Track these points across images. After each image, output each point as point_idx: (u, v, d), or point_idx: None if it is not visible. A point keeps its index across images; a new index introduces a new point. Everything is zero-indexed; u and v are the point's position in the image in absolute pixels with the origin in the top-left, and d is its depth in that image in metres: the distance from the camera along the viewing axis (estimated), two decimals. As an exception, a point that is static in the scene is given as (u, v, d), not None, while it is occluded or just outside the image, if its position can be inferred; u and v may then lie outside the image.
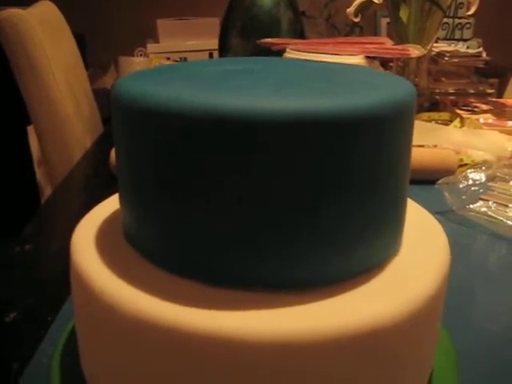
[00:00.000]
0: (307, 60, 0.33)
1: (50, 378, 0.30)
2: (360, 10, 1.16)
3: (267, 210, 0.23)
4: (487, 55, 1.44)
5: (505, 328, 0.49)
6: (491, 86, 1.45)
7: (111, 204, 0.33)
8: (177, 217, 0.24)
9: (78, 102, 1.10)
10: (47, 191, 1.93)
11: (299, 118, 0.22)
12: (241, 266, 0.24)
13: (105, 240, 0.29)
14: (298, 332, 0.22)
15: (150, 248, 0.26)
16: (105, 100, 1.94)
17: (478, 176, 0.71)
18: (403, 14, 1.17)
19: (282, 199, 0.23)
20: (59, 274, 0.58)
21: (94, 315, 0.26)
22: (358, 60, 1.02)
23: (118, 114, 0.26)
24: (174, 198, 0.24)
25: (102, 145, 0.99)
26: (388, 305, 0.24)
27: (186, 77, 0.27)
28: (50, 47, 0.98)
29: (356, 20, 1.16)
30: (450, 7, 1.65)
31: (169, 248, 0.25)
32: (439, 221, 0.70)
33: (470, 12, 1.17)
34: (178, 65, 0.31)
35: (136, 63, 2.19)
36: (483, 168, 0.72)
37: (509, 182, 0.69)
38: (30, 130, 1.86)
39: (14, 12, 0.90)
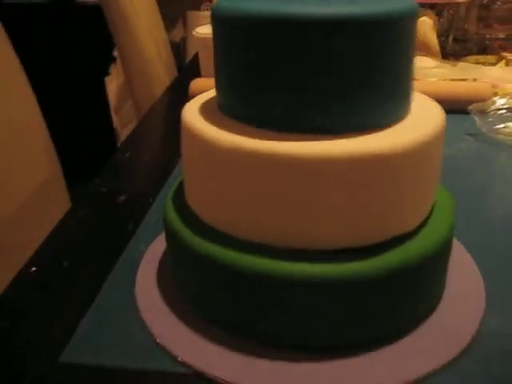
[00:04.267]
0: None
1: (165, 211, 0.45)
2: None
3: (326, 81, 0.36)
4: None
5: (506, 215, 0.62)
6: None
7: (204, 97, 0.47)
8: (256, 83, 0.38)
9: (158, 47, 1.25)
10: (123, 136, 2.11)
11: (341, 19, 0.35)
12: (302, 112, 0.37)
13: (205, 111, 0.43)
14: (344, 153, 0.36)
15: (237, 111, 0.40)
16: (175, 51, 2.07)
17: (506, 102, 0.81)
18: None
19: (336, 74, 0.36)
20: (153, 175, 0.74)
21: (199, 156, 0.41)
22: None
23: (216, 23, 0.40)
24: (257, 77, 0.38)
25: (179, 86, 1.14)
26: (402, 139, 0.37)
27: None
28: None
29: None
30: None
31: (254, 107, 0.39)
32: (470, 142, 0.81)
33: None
34: None
35: (203, 17, 2.33)
36: (510, 95, 0.82)
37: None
38: (108, 80, 2.03)
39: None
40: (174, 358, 0.40)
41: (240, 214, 0.39)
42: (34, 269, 0.52)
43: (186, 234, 0.41)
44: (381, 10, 0.36)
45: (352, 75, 0.37)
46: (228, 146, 0.38)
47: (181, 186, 0.47)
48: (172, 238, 0.43)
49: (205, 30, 1.01)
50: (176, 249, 0.44)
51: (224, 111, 0.42)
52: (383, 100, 0.39)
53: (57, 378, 0.40)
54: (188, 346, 0.41)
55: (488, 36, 1.42)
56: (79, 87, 2.23)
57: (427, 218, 0.43)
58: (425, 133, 0.39)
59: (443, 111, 0.43)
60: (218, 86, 0.42)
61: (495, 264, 0.51)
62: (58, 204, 1.00)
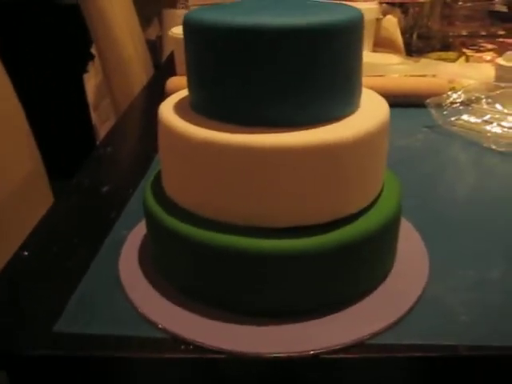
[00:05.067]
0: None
1: (145, 196, 0.51)
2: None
3: (274, 81, 0.42)
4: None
5: (453, 199, 0.68)
6: (510, 29, 1.55)
7: (178, 96, 0.52)
8: (221, 84, 0.44)
9: (135, 45, 1.30)
10: (102, 132, 2.15)
11: (289, 29, 0.41)
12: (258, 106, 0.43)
13: (178, 108, 0.48)
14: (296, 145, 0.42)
15: (206, 109, 0.46)
16: (151, 49, 2.11)
17: (459, 96, 0.88)
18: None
19: (283, 72, 0.42)
20: (133, 168, 0.79)
21: (174, 148, 0.46)
22: (372, 5, 1.19)
23: (187, 31, 0.45)
24: (222, 78, 0.44)
25: (156, 83, 1.19)
26: (349, 131, 0.43)
27: (226, 9, 0.46)
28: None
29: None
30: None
31: (220, 105, 0.45)
32: (426, 133, 0.88)
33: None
34: (224, 4, 0.49)
35: (178, 15, 2.37)
36: (464, 90, 0.89)
37: (482, 100, 0.86)
38: (87, 78, 2.06)
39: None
40: (154, 325, 0.46)
41: (208, 197, 0.45)
42: (25, 253, 0.57)
43: (163, 215, 0.47)
44: (325, 21, 0.42)
45: (305, 76, 0.43)
46: (198, 140, 0.44)
47: (159, 174, 0.53)
48: (150, 219, 0.49)
49: (180, 30, 1.06)
50: (154, 229, 0.49)
51: (195, 108, 0.48)
52: (333, 97, 0.45)
53: (51, 345, 0.45)
54: (166, 314, 0.47)
55: (451, 33, 1.50)
56: (58, 85, 2.27)
57: (377, 199, 0.49)
58: (370, 126, 0.45)
59: (388, 106, 0.49)
60: (190, 87, 0.48)
61: (440, 242, 0.57)
62: (41, 198, 1.05)
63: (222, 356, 0.43)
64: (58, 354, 0.45)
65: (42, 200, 1.02)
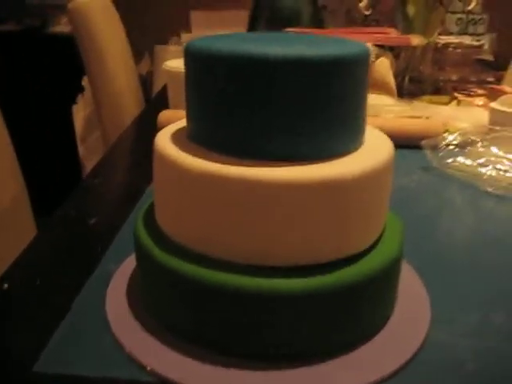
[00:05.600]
0: (301, 32, 0.51)
1: (136, 228, 0.48)
2: (372, 3, 1.32)
3: (278, 112, 0.41)
4: (502, 49, 1.57)
5: (450, 240, 0.67)
6: (498, 76, 1.58)
7: (174, 126, 0.51)
8: (223, 114, 0.42)
9: (128, 78, 1.30)
10: (88, 166, 2.13)
11: (295, 60, 0.40)
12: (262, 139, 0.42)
13: (176, 139, 0.46)
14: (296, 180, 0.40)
15: (203, 138, 0.44)
16: (142, 84, 2.11)
17: (455, 138, 0.88)
18: (410, 9, 1.33)
19: (288, 104, 0.40)
20: (122, 200, 0.76)
21: (170, 179, 0.44)
22: (366, 47, 1.19)
23: (189, 59, 0.44)
24: (223, 110, 0.42)
25: (147, 116, 1.18)
26: (352, 168, 0.42)
27: (229, 39, 0.44)
28: (108, 29, 1.18)
29: (367, 13, 1.33)
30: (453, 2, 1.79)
31: (220, 136, 0.43)
32: (421, 175, 0.87)
33: (470, 7, 1.32)
34: (227, 34, 0.48)
35: (170, 52, 2.38)
36: (459, 132, 0.88)
37: (478, 143, 0.86)
38: (75, 108, 2.05)
39: (81, 2, 1.09)
40: (143, 368, 0.43)
41: (205, 232, 0.43)
42: (6, 285, 0.54)
43: (154, 249, 0.45)
44: (334, 53, 0.41)
45: (309, 110, 0.41)
46: (196, 171, 0.42)
47: (151, 206, 0.51)
48: (141, 252, 0.47)
49: (174, 64, 1.06)
50: (144, 263, 0.47)
51: (193, 139, 0.46)
52: (337, 132, 0.43)
53: (30, 386, 0.42)
54: (155, 355, 0.44)
55: (441, 78, 1.51)
56: (46, 115, 2.25)
57: (378, 239, 0.47)
58: (375, 162, 0.43)
59: (393, 144, 0.48)
60: (189, 117, 0.46)
61: (438, 284, 0.55)
62: (24, 230, 1.02)
63: (215, 402, 0.41)
64: (37, 396, 0.42)
65: (25, 231, 0.99)
